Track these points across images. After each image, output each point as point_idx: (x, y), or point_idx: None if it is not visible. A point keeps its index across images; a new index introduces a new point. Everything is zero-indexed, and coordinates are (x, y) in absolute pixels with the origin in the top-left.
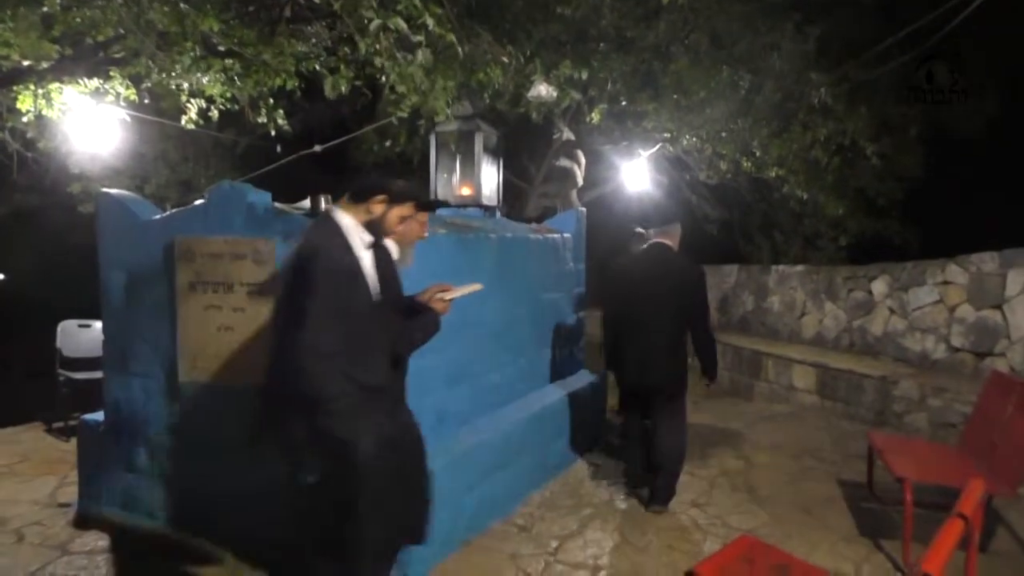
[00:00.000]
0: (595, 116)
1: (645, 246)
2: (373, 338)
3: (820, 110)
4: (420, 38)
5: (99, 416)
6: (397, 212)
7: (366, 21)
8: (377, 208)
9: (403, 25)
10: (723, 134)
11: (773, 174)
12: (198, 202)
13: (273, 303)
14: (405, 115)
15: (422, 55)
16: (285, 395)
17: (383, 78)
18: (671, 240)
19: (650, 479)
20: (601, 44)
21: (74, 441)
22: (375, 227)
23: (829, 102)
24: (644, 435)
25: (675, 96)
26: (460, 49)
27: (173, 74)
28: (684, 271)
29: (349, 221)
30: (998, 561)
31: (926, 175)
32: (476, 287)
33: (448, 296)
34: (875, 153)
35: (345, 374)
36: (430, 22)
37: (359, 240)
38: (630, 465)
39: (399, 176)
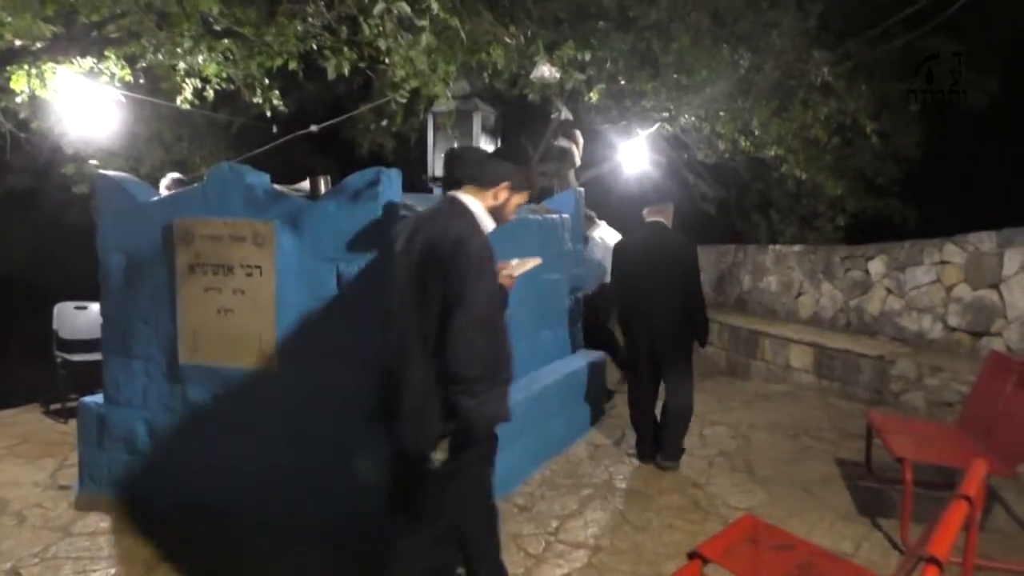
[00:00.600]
0: (593, 95)
1: (647, 223)
2: (503, 320)
3: (820, 88)
4: (424, 22)
5: (99, 398)
6: (516, 200)
7: (368, 1)
8: (502, 195)
9: (407, 9)
10: (722, 113)
11: (772, 153)
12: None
13: (400, 285)
14: (405, 100)
15: (426, 39)
16: (449, 373)
17: (385, 60)
18: (665, 218)
19: (652, 453)
20: (601, 22)
21: (73, 423)
22: (497, 213)
23: (830, 80)
24: (651, 405)
25: (675, 75)
26: (462, 32)
27: (174, 54)
28: (682, 245)
29: (478, 207)
30: (995, 539)
31: (925, 153)
32: (536, 261)
33: (515, 273)
34: (875, 132)
35: (502, 354)
36: (435, 6)
37: (486, 226)
38: (641, 436)
39: (394, 156)
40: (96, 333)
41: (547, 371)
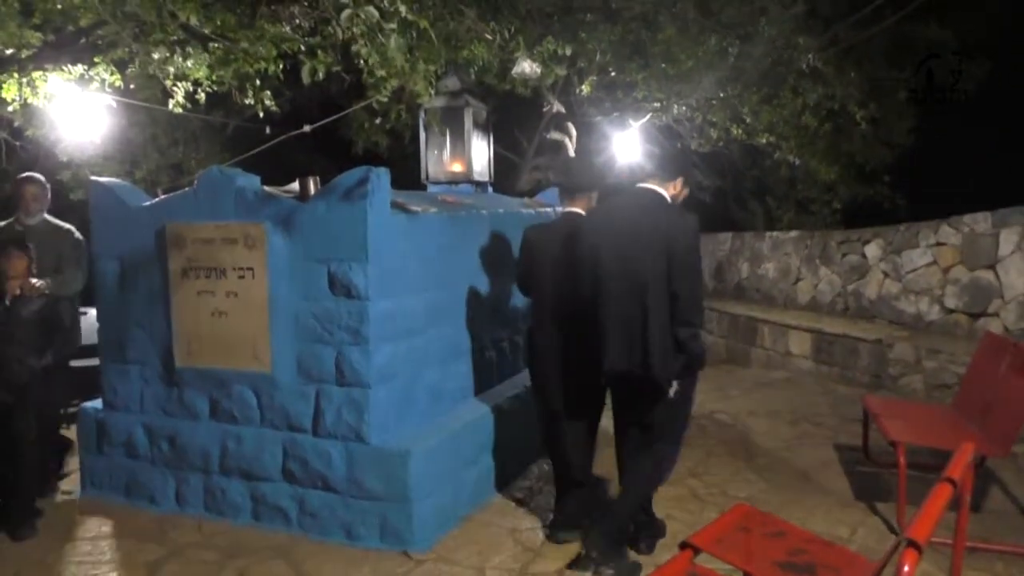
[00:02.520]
0: (585, 88)
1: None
2: None
3: (810, 75)
4: (392, 25)
5: (98, 403)
6: (684, 192)
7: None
8: (678, 187)
9: (375, 14)
10: (713, 102)
11: (764, 140)
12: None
13: (623, 259)
14: (385, 99)
15: (395, 41)
16: (685, 323)
17: (361, 63)
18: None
19: None
20: (588, 15)
21: (74, 428)
22: (673, 201)
23: (819, 66)
24: None
25: (664, 65)
26: (433, 35)
27: (152, 61)
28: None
29: (665, 196)
30: (992, 519)
31: (917, 137)
32: None
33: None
34: (864, 118)
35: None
36: (403, 8)
37: None
38: None
39: (389, 153)
40: (95, 338)
41: None
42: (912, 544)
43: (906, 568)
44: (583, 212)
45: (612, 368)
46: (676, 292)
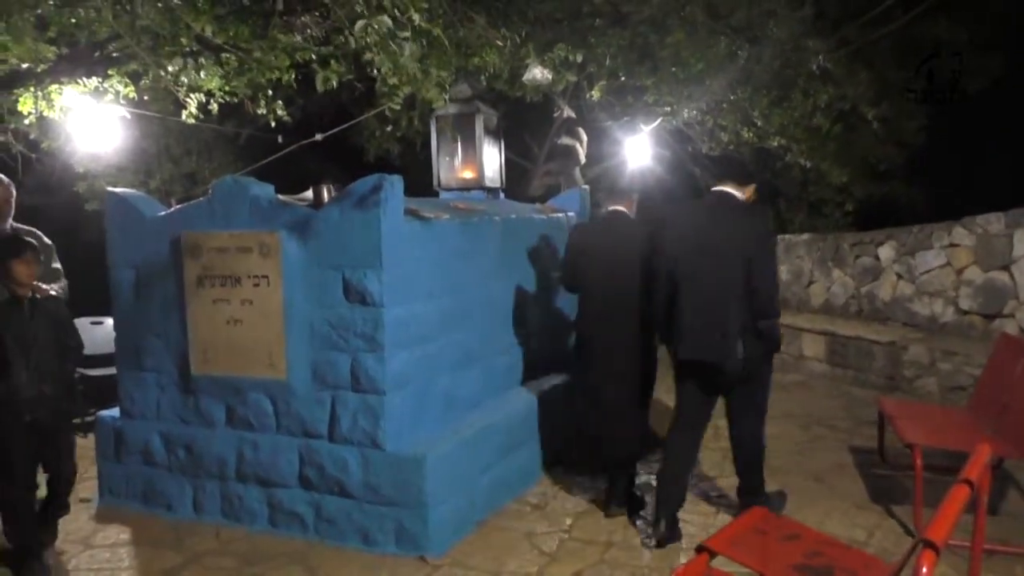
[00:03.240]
0: (595, 93)
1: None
2: None
3: (820, 76)
4: (406, 34)
5: (115, 412)
6: (754, 197)
7: (358, 9)
8: (749, 191)
9: (388, 22)
10: (724, 105)
11: (775, 143)
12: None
13: (710, 252)
14: (398, 107)
15: (409, 49)
16: (764, 311)
17: (375, 71)
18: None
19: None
20: (597, 20)
21: (92, 437)
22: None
23: (829, 67)
24: None
25: (673, 69)
26: (446, 42)
27: (166, 73)
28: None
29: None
30: (1010, 522)
31: (929, 136)
32: None
33: None
34: (876, 117)
35: None
36: (416, 17)
37: None
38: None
39: (401, 160)
40: (112, 348)
41: (559, 370)
42: (930, 545)
43: (924, 570)
44: (627, 212)
45: (696, 357)
46: (756, 287)
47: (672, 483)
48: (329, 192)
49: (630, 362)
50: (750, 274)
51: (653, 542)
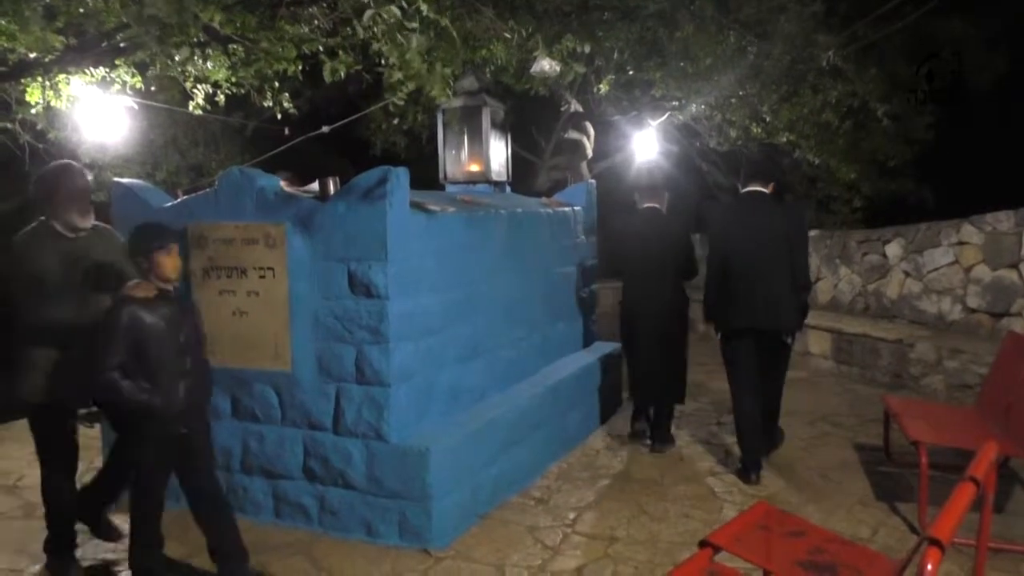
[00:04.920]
0: (603, 87)
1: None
2: None
3: (830, 72)
4: (415, 24)
5: None
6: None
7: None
8: (773, 187)
9: (397, 13)
10: (732, 100)
11: (784, 139)
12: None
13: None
14: (402, 102)
15: (417, 40)
16: (803, 286)
17: (382, 62)
18: (660, 203)
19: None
20: (605, 13)
21: (98, 427)
22: None
23: (839, 63)
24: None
25: (682, 64)
26: (455, 33)
27: (173, 63)
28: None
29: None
30: (1015, 521)
31: (939, 133)
32: None
33: None
34: (886, 114)
35: None
36: (424, 7)
37: None
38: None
39: (407, 154)
40: None
41: (563, 364)
42: (935, 543)
43: (929, 567)
44: (660, 207)
45: (753, 325)
46: (796, 265)
47: (754, 432)
48: (335, 184)
49: (670, 324)
50: (792, 254)
51: (753, 477)
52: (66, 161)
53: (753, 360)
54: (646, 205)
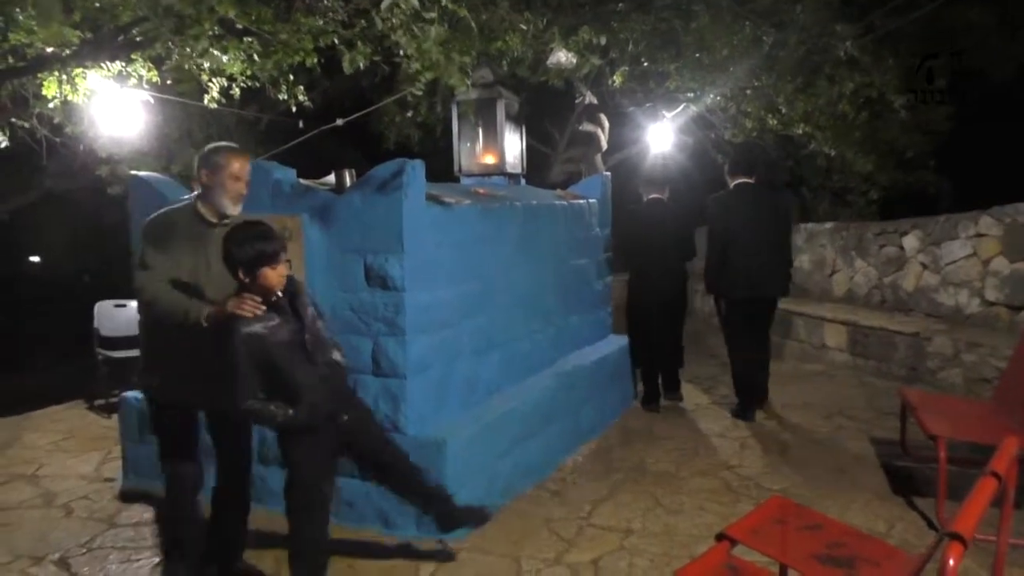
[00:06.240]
0: (617, 79)
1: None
2: None
3: (846, 63)
4: (433, 14)
5: (139, 393)
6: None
7: None
8: (755, 177)
9: (415, 3)
10: (747, 91)
11: (800, 131)
12: None
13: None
14: (421, 92)
15: (435, 31)
16: (790, 261)
17: (400, 52)
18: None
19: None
20: (620, 4)
21: (115, 417)
22: None
23: (855, 54)
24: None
25: (697, 55)
26: (473, 24)
27: (189, 56)
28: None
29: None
30: None
31: (957, 124)
32: None
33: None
34: (903, 106)
35: None
36: None
37: None
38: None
39: (421, 147)
40: (135, 330)
41: (578, 356)
42: (957, 538)
43: (951, 562)
44: (663, 198)
45: (755, 294)
46: (785, 244)
47: (750, 384)
48: (351, 177)
49: (674, 301)
50: (782, 234)
51: (750, 415)
52: None
53: (749, 322)
54: (651, 197)
